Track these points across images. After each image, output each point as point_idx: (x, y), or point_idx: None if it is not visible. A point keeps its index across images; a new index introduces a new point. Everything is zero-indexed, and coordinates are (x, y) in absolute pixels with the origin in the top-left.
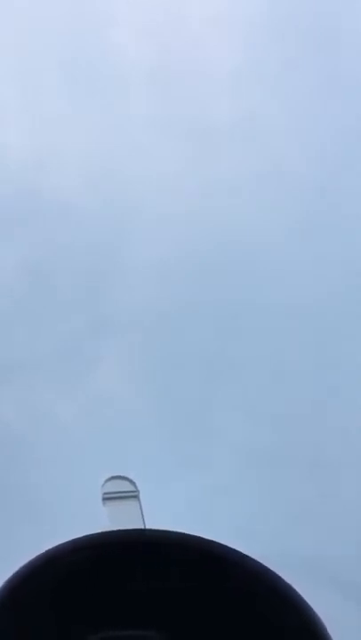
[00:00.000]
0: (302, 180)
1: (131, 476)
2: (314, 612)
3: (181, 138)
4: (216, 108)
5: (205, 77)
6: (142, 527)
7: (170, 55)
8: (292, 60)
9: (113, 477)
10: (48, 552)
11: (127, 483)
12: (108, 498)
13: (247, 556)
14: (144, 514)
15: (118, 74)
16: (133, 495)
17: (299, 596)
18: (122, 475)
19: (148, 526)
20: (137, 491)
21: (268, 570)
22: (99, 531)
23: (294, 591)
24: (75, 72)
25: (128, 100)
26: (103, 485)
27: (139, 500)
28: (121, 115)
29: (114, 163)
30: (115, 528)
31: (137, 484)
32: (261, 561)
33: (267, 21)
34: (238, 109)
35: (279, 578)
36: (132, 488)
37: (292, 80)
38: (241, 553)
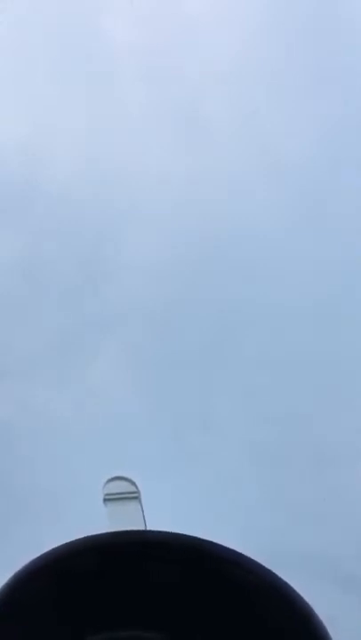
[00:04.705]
0: (302, 176)
1: (132, 477)
2: (315, 614)
3: (179, 134)
4: (214, 103)
5: (203, 70)
6: (143, 528)
7: (167, 49)
8: (293, 52)
9: (114, 478)
10: (48, 553)
11: (128, 484)
12: (108, 499)
13: (248, 558)
14: (145, 514)
15: (115, 69)
16: (134, 496)
17: (300, 597)
18: (123, 475)
19: (149, 527)
20: (138, 491)
21: (269, 571)
22: (99, 532)
23: (295, 592)
24: (70, 66)
25: (125, 96)
26: (104, 486)
27: (140, 500)
28: (117, 111)
29: (111, 161)
30: (115, 529)
31: (138, 484)
32: (262, 562)
33: (267, 13)
34: (237, 103)
35: (280, 579)
36: (133, 489)
37: (292, 74)
38: (242, 554)
